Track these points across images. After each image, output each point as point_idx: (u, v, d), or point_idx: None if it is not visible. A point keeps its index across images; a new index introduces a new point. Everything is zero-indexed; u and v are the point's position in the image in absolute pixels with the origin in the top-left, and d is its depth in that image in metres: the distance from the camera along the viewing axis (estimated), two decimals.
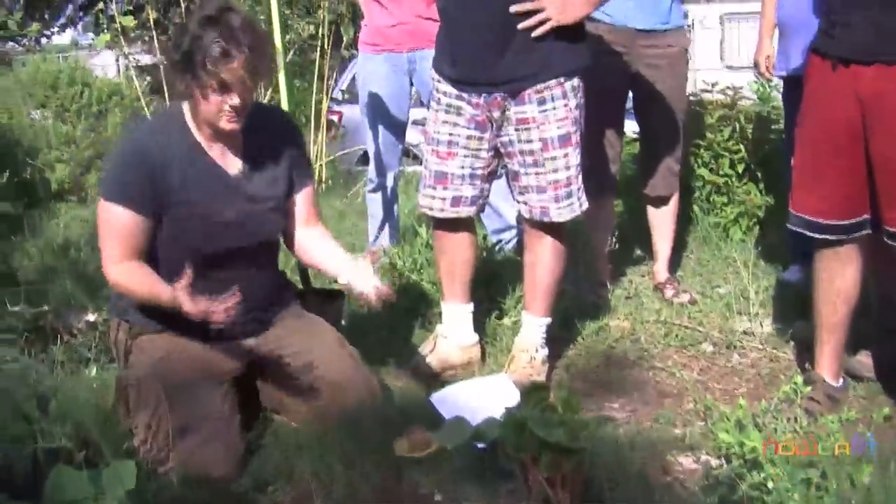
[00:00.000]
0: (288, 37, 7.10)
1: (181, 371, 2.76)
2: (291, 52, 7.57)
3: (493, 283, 4.19)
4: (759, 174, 5.54)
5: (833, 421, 2.46)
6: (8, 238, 5.68)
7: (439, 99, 3.45)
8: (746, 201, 5.44)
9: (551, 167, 3.34)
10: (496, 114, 3.33)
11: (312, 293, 3.37)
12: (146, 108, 7.09)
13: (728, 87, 5.81)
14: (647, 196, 4.62)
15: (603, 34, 4.15)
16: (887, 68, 2.91)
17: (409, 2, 4.72)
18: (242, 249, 2.90)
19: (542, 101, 3.29)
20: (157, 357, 2.81)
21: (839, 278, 3.18)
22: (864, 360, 3.50)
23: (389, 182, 5.11)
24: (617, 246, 4.71)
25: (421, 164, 3.63)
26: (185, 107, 2.84)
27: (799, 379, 2.89)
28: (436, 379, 3.47)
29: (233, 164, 2.90)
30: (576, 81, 3.34)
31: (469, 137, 3.39)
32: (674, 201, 4.61)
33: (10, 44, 14.77)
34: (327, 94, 6.63)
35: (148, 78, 9.32)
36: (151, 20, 6.83)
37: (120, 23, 6.59)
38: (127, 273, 2.80)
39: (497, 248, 4.75)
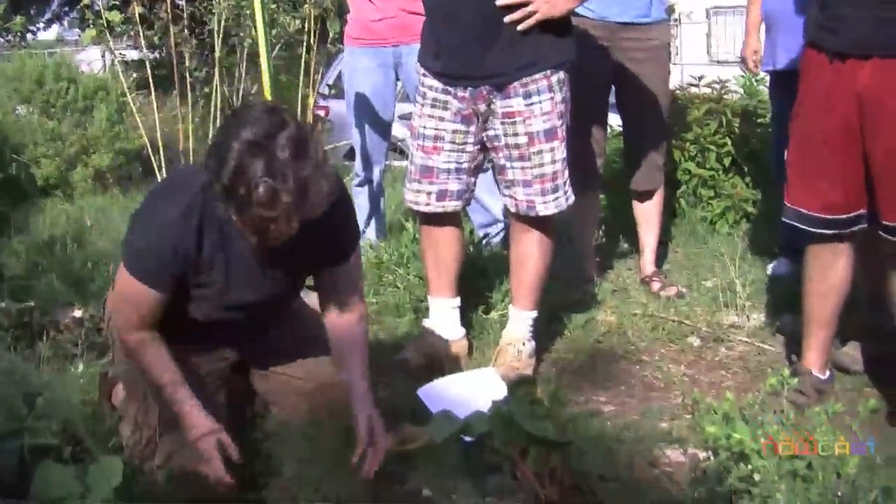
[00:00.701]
0: (274, 31, 7.09)
1: None
2: (277, 47, 7.55)
3: (480, 278, 4.19)
4: (746, 168, 5.56)
5: (820, 413, 2.46)
6: None
7: (425, 93, 3.44)
8: (733, 195, 5.46)
9: (537, 161, 3.34)
10: (482, 107, 3.33)
11: None
12: (132, 104, 7.06)
13: (714, 81, 5.83)
14: (632, 191, 4.63)
15: (587, 28, 4.16)
16: (884, 62, 2.91)
17: None
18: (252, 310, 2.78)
19: (527, 95, 3.29)
20: None
21: (831, 272, 3.18)
22: (851, 354, 3.51)
23: (376, 176, 5.10)
24: (603, 240, 4.73)
25: (407, 158, 3.63)
26: None
27: (786, 371, 2.88)
28: (423, 373, 3.46)
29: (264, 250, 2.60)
30: (562, 75, 3.34)
31: (455, 131, 3.39)
32: (659, 195, 4.63)
33: None
34: (314, 90, 6.61)
35: (134, 74, 9.27)
36: (137, 15, 6.80)
37: (106, 18, 6.56)
38: (147, 351, 2.58)
39: (484, 242, 4.75)
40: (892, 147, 2.94)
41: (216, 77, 6.02)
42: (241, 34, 6.66)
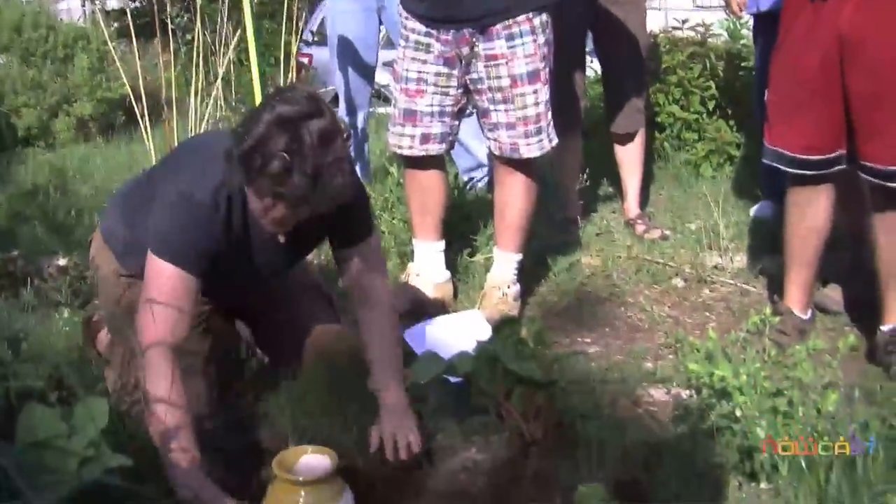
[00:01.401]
0: None
1: None
2: None
3: (465, 221, 4.19)
4: (730, 111, 5.55)
5: (801, 351, 2.49)
6: None
7: (408, 37, 3.42)
8: (717, 138, 5.46)
9: (521, 103, 3.33)
10: (465, 50, 3.31)
11: None
12: (114, 52, 6.99)
13: (698, 25, 5.80)
14: (613, 134, 4.64)
15: None
16: (867, 2, 2.90)
17: None
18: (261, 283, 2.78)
19: (510, 37, 3.27)
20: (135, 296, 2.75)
21: (811, 213, 3.20)
22: (831, 294, 3.54)
23: (360, 122, 5.08)
24: (588, 183, 4.71)
25: (391, 105, 3.61)
26: None
27: (768, 311, 2.91)
28: (408, 317, 3.48)
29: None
30: (544, 17, 3.33)
31: (438, 74, 3.37)
32: (640, 138, 4.64)
33: None
34: (297, 36, 6.54)
35: (115, 23, 9.18)
36: None
37: None
38: (167, 379, 2.32)
39: (468, 186, 4.74)
40: (872, 86, 2.94)
41: (198, 24, 5.94)
42: None
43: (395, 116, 3.50)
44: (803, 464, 2.22)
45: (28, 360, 2.46)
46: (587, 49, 4.53)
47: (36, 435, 1.87)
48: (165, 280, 2.38)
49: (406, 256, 3.92)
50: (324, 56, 6.99)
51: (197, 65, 5.69)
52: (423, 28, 3.36)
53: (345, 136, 2.32)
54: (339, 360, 2.87)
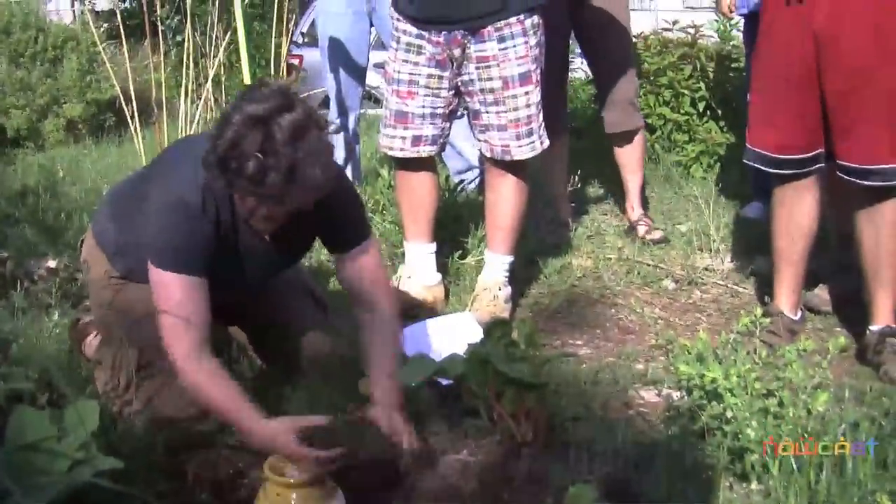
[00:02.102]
0: None
1: (145, 308, 2.69)
2: None
3: (456, 223, 4.19)
4: (720, 112, 5.57)
5: (791, 351, 2.49)
6: None
7: (399, 38, 3.42)
8: (707, 139, 5.48)
9: (512, 105, 3.34)
10: (456, 52, 3.31)
11: None
12: (103, 54, 6.98)
13: (689, 26, 5.82)
14: (611, 136, 4.59)
15: None
16: (842, 2, 2.92)
17: None
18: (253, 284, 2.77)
19: (501, 39, 3.28)
20: (126, 298, 2.75)
21: (797, 213, 3.21)
22: (821, 294, 3.55)
23: (351, 123, 5.09)
24: (578, 185, 4.72)
25: (382, 107, 3.61)
26: None
27: (758, 312, 2.92)
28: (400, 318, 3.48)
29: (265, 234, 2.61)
30: (535, 19, 3.33)
31: (429, 76, 3.37)
32: (639, 138, 4.59)
33: None
34: (287, 38, 6.54)
35: (104, 24, 9.15)
36: None
37: None
38: (211, 378, 2.38)
39: (459, 188, 4.75)
40: (847, 87, 2.97)
41: (188, 26, 5.94)
42: None
43: (387, 118, 3.50)
44: (794, 464, 2.23)
45: (18, 363, 2.45)
46: (574, 51, 4.52)
47: (26, 437, 1.87)
48: (174, 290, 2.38)
49: (397, 258, 3.93)
50: (314, 57, 6.98)
51: (187, 66, 5.69)
52: (414, 30, 3.36)
53: (321, 125, 2.30)
54: (330, 364, 2.88)
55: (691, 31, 5.79)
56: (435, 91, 3.40)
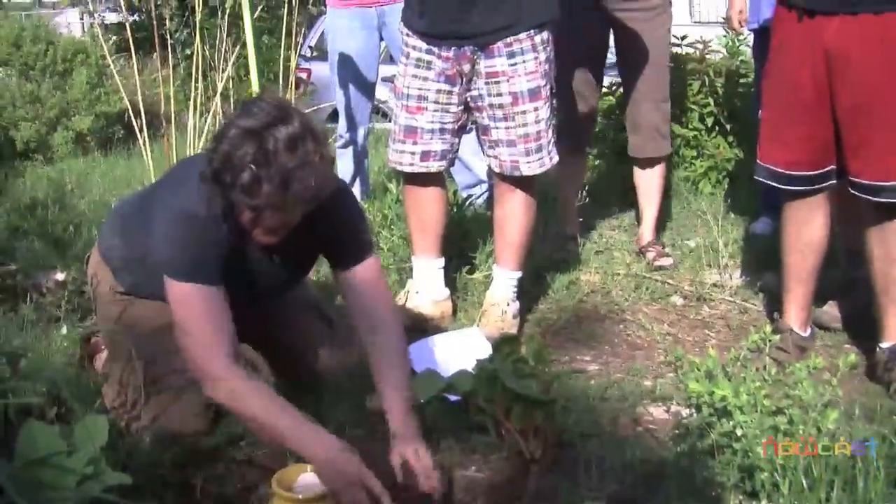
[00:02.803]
0: None
1: (152, 324, 2.70)
2: (259, 9, 7.49)
3: (464, 238, 4.19)
4: (729, 128, 5.56)
5: (801, 369, 2.48)
6: None
7: (409, 53, 3.43)
8: (716, 155, 5.47)
9: (521, 121, 3.34)
10: (466, 67, 3.32)
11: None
12: (112, 67, 7.00)
13: (697, 41, 5.81)
14: (633, 157, 4.53)
15: None
16: (852, 19, 2.92)
17: None
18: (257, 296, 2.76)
19: (511, 55, 3.28)
20: (133, 315, 2.76)
21: (807, 229, 3.21)
22: (830, 311, 3.54)
23: (360, 138, 5.09)
24: (587, 200, 4.72)
25: (390, 121, 3.62)
26: None
27: (768, 329, 2.91)
28: (408, 334, 3.46)
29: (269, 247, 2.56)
30: (545, 35, 3.34)
31: (439, 91, 3.38)
32: (662, 165, 4.51)
33: None
34: (296, 51, 6.56)
35: (114, 37, 9.20)
36: None
37: None
38: (253, 388, 2.32)
39: (468, 202, 4.74)
40: (857, 103, 2.96)
41: (197, 39, 5.95)
42: None
43: (396, 133, 3.50)
44: (804, 482, 2.22)
45: (27, 377, 2.44)
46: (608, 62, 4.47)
47: (35, 452, 1.87)
48: (195, 301, 2.36)
49: (405, 273, 3.92)
50: (322, 71, 7.00)
51: (196, 80, 5.70)
52: (424, 45, 3.37)
53: (319, 137, 2.29)
54: (337, 379, 2.88)
55: (700, 46, 5.78)
56: (444, 106, 3.40)
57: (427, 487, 2.27)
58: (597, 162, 5.81)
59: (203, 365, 2.33)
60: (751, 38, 4.97)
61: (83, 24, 12.57)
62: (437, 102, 3.39)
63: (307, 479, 2.23)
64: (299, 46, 7.09)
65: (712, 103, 5.52)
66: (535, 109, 3.34)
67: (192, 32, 6.97)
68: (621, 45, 4.32)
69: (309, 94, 8.80)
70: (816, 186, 3.13)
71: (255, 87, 4.53)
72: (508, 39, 3.27)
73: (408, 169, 3.52)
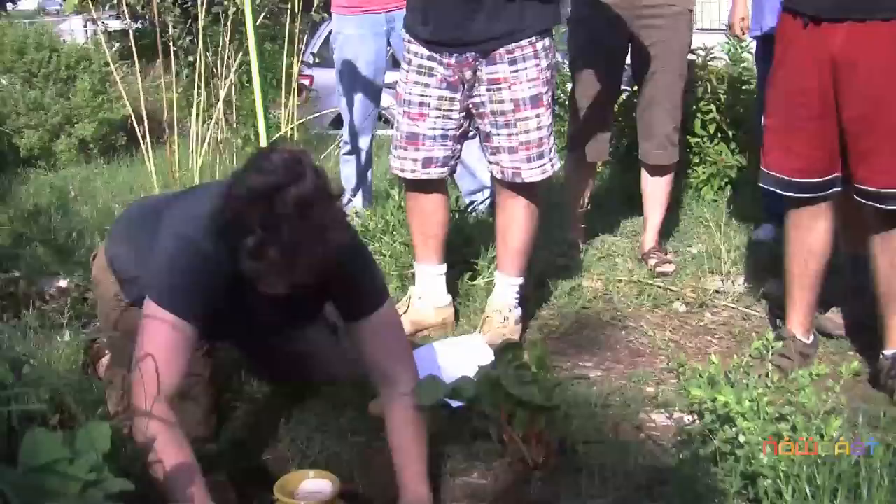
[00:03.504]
0: (258, 0, 7.03)
1: None
2: (262, 16, 7.51)
3: (467, 245, 4.19)
4: (731, 134, 5.56)
5: (803, 376, 2.49)
6: None
7: (410, 60, 3.43)
8: (718, 161, 5.46)
9: (523, 128, 3.34)
10: (468, 74, 3.32)
11: None
12: (115, 74, 7.02)
13: (700, 48, 5.81)
14: (642, 163, 4.51)
15: None
16: (858, 26, 2.91)
17: None
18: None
19: (513, 62, 3.28)
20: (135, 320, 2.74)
21: (810, 236, 3.20)
22: (833, 318, 3.54)
23: (364, 145, 5.08)
24: (589, 206, 4.72)
25: (393, 127, 3.62)
26: None
27: (770, 336, 2.91)
28: (410, 340, 3.47)
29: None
30: (547, 42, 3.34)
31: (441, 98, 3.38)
32: (671, 174, 4.49)
33: None
34: (298, 58, 6.57)
35: (117, 44, 9.20)
36: None
37: None
38: (169, 434, 2.23)
39: (470, 209, 4.74)
40: (865, 111, 2.96)
41: (200, 46, 5.97)
42: (226, 2, 6.60)
43: (398, 139, 3.50)
44: (808, 490, 2.21)
45: (30, 384, 2.44)
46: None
47: (38, 459, 1.86)
48: (162, 329, 2.29)
49: (407, 279, 3.92)
50: (325, 77, 7.01)
51: (199, 87, 5.72)
52: (426, 52, 3.37)
53: (332, 195, 2.21)
54: (341, 387, 2.88)
55: (702, 52, 5.79)
56: (446, 113, 3.40)
57: None
58: (600, 168, 5.80)
59: (136, 394, 2.25)
60: (753, 45, 4.97)
61: (87, 31, 12.57)
62: (438, 109, 3.40)
63: (309, 485, 2.23)
64: (301, 53, 7.11)
65: (714, 110, 5.52)
66: (537, 116, 3.34)
67: (194, 40, 6.98)
68: (640, 51, 4.29)
69: (311, 100, 8.81)
70: (822, 193, 3.13)
71: (257, 94, 4.54)
72: (510, 46, 3.27)
73: (410, 176, 3.52)
